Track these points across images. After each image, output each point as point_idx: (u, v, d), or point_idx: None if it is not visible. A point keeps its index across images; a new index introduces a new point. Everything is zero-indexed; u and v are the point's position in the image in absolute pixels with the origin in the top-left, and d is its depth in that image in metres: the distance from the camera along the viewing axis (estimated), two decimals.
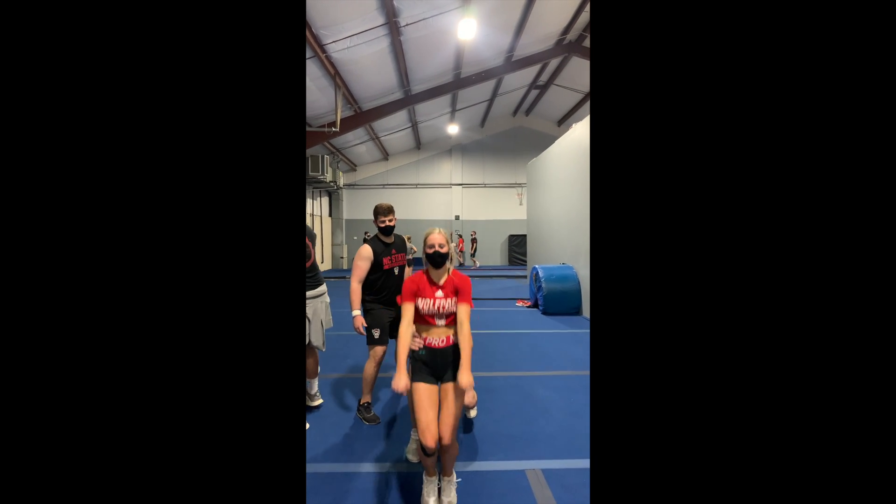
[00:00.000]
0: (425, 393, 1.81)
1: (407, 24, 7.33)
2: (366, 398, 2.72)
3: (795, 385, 0.82)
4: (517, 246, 16.08)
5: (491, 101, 13.45)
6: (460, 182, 16.39)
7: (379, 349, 2.66)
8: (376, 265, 2.66)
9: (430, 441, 1.70)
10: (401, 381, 1.68)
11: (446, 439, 1.72)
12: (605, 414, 0.90)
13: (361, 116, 10.26)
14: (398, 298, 2.39)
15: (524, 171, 11.32)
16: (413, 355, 1.92)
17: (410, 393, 1.89)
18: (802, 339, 0.82)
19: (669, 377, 0.87)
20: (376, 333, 2.64)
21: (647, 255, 0.90)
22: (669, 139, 0.89)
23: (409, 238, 8.42)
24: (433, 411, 1.77)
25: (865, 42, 0.82)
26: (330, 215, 15.87)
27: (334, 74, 8.11)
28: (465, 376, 1.70)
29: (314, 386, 2.89)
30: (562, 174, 7.37)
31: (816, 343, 0.82)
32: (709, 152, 0.87)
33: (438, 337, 1.89)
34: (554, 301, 6.31)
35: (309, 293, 2.67)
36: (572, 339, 4.93)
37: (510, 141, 16.22)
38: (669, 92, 0.89)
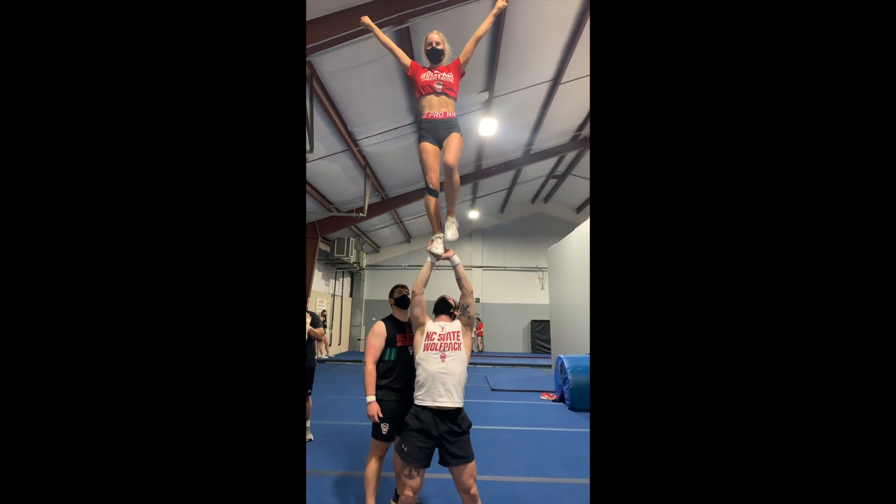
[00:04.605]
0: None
1: None
2: None
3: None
4: (540, 332, 15.54)
5: (510, 188, 14.04)
6: (480, 265, 16.52)
7: (383, 446, 2.48)
8: (389, 342, 2.57)
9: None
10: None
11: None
12: None
13: (388, 203, 10.79)
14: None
15: (544, 255, 11.39)
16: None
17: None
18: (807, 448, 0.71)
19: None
20: (384, 428, 2.45)
21: (648, 354, 0.89)
22: (666, 238, 0.89)
23: None
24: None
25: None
26: (351, 296, 15.99)
27: (364, 165, 8.71)
28: None
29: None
30: (583, 262, 7.34)
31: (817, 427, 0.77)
32: (705, 254, 0.86)
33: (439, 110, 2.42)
34: (582, 395, 5.90)
35: None
36: None
37: (529, 226, 16.56)
38: (667, 192, 0.90)
